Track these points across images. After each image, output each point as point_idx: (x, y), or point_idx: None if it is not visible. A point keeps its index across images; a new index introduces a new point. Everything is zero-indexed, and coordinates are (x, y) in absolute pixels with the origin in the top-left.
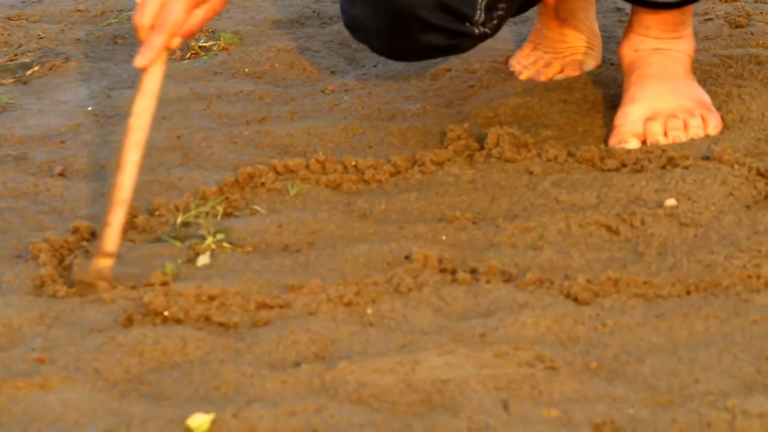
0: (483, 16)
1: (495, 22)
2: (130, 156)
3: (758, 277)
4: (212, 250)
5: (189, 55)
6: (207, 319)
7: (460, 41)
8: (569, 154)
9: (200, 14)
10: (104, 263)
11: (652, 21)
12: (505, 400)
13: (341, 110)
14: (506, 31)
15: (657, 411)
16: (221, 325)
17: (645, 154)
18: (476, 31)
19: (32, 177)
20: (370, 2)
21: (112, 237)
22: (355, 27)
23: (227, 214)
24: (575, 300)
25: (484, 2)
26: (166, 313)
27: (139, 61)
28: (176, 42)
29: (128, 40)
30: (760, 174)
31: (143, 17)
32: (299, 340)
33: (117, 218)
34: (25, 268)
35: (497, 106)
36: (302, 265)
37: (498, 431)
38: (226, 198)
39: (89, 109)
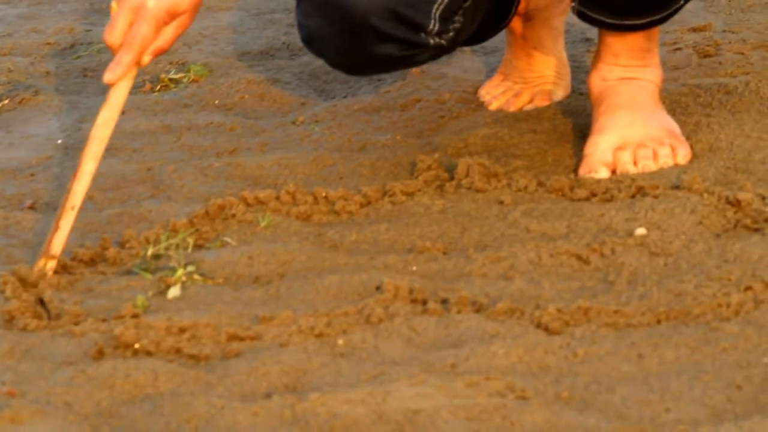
0: (437, 26)
1: (451, 34)
2: (87, 166)
3: (728, 305)
4: (183, 282)
5: (159, 87)
6: (178, 351)
7: (415, 52)
8: (539, 183)
9: (170, 31)
10: (48, 265)
11: (619, 48)
12: (477, 430)
13: (312, 141)
14: (476, 62)
15: None
16: (192, 357)
17: (615, 184)
18: (431, 41)
19: (2, 210)
20: (324, 13)
21: (59, 240)
22: (310, 40)
23: (198, 246)
24: (546, 329)
25: (438, 12)
26: (136, 346)
27: (107, 76)
28: (146, 59)
29: (98, 73)
30: (729, 203)
31: (112, 35)
32: (270, 372)
33: (66, 223)
34: None
35: (467, 137)
36: (273, 296)
37: None
38: (197, 230)
39: (59, 142)
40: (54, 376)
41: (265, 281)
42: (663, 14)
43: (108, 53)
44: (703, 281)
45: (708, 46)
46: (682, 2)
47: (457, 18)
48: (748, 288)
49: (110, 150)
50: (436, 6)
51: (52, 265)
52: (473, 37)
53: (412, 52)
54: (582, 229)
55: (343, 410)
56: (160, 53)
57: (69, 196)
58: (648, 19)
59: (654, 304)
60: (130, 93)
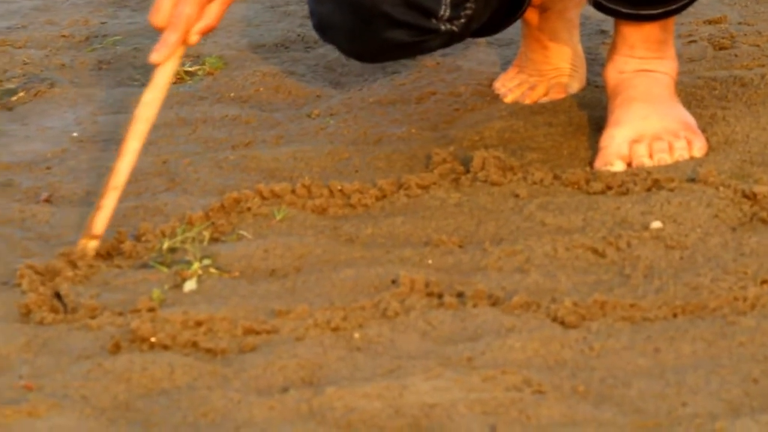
0: (449, 11)
1: (463, 21)
2: (131, 144)
3: (744, 299)
4: (199, 276)
5: (174, 80)
6: (194, 345)
7: (426, 38)
8: (555, 177)
9: (215, 8)
10: (90, 244)
11: (635, 39)
12: (493, 424)
13: (327, 134)
14: (491, 54)
15: None
16: (208, 351)
17: (630, 177)
18: (442, 27)
19: (18, 203)
20: (335, 0)
21: (101, 220)
22: (322, 26)
23: (213, 240)
24: (562, 323)
25: None
26: (153, 340)
27: (154, 56)
28: (194, 38)
29: (113, 66)
30: (745, 196)
31: (158, 16)
32: (286, 366)
33: (109, 203)
34: (11, 294)
35: (483, 130)
36: (289, 290)
37: None
38: (213, 223)
39: (75, 134)
40: (70, 369)
41: (281, 275)
42: (679, 4)
43: (124, 45)
44: (719, 275)
45: (723, 38)
46: None
47: (468, 5)
48: (764, 281)
49: None
50: None
51: (94, 245)
52: (487, 28)
53: (423, 38)
54: (598, 223)
55: (360, 404)
56: (208, 31)
57: (112, 175)
58: (664, 9)
59: (670, 297)
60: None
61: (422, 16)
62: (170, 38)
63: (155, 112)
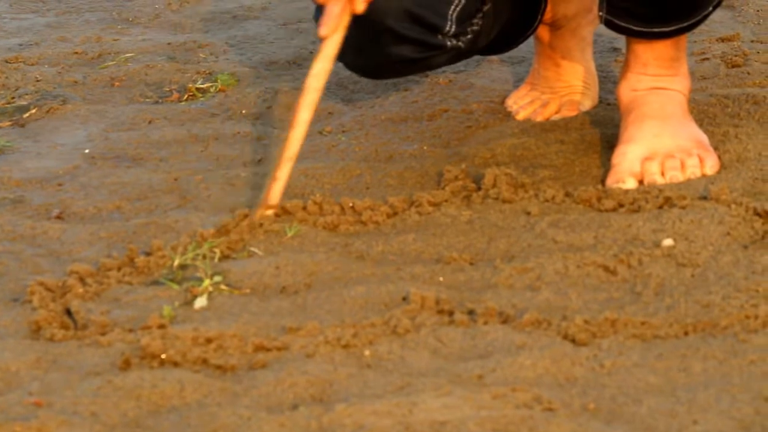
0: (454, 27)
1: (469, 37)
2: (302, 115)
3: (756, 317)
4: (209, 293)
5: (186, 96)
6: (204, 361)
7: (432, 54)
8: (566, 194)
9: None
10: (268, 214)
11: (648, 57)
12: None
13: (338, 151)
14: (503, 72)
15: None
16: (219, 367)
17: (642, 194)
18: (448, 43)
19: (29, 220)
20: None
21: (277, 191)
22: None
23: (225, 256)
24: (573, 341)
25: (455, 14)
26: (163, 356)
27: (322, 30)
28: (360, 7)
29: (125, 83)
30: (757, 214)
31: None
32: (297, 383)
33: (283, 173)
34: (21, 311)
35: (494, 147)
36: (300, 307)
37: None
38: (224, 240)
39: (86, 151)
40: (81, 386)
41: (292, 291)
42: (691, 21)
43: (136, 63)
44: (730, 292)
45: (736, 56)
46: (710, 9)
47: (475, 21)
48: None
49: (137, 159)
50: (452, 8)
51: (271, 213)
52: (499, 45)
53: (428, 54)
54: (609, 240)
55: (370, 421)
56: None
57: (286, 145)
58: (676, 27)
59: (681, 315)
60: (157, 102)
61: (427, 32)
62: (334, 10)
63: (324, 83)
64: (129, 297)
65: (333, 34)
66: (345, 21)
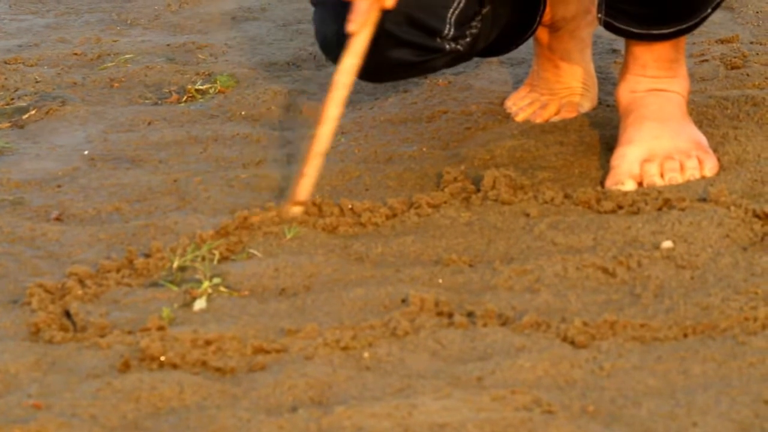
0: (453, 31)
1: (468, 40)
2: (331, 111)
3: (755, 319)
4: (209, 295)
5: (185, 98)
6: (204, 364)
7: (431, 57)
8: (566, 196)
9: None
10: (296, 210)
11: (647, 59)
12: None
13: (338, 153)
14: (503, 73)
15: None
16: (218, 370)
17: (641, 196)
18: (447, 46)
19: (29, 222)
20: (339, 19)
21: (306, 187)
22: (327, 46)
23: (224, 258)
24: (572, 343)
25: (453, 17)
26: (162, 359)
27: (351, 27)
28: (389, 1)
29: (125, 84)
30: (756, 216)
31: None
32: (296, 385)
33: (312, 169)
34: (21, 313)
35: (493, 148)
36: (299, 309)
37: None
38: (223, 242)
39: (86, 153)
40: (80, 388)
41: (291, 293)
42: (690, 23)
43: (135, 64)
44: (730, 295)
45: (735, 57)
46: (709, 11)
47: (474, 24)
48: None
49: (136, 161)
50: (451, 11)
51: (299, 210)
52: (499, 47)
53: (427, 58)
54: (608, 242)
55: (369, 423)
56: None
57: (315, 141)
58: (675, 29)
59: (680, 317)
60: (156, 104)
61: (426, 36)
62: (362, 6)
63: (353, 78)
64: (128, 299)
65: (361, 29)
66: (373, 17)
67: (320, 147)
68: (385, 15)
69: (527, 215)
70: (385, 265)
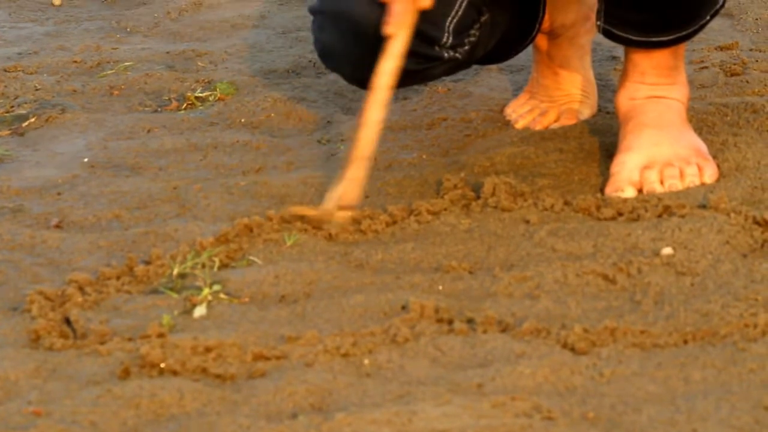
0: (451, 39)
1: (467, 48)
2: (372, 114)
3: (755, 326)
4: (209, 302)
5: (185, 105)
6: (204, 370)
7: (430, 66)
8: (565, 203)
9: None
10: (344, 216)
11: (646, 66)
12: None
13: (337, 160)
14: (502, 81)
15: None
16: (218, 376)
17: (641, 203)
18: (445, 55)
19: (29, 229)
20: (337, 27)
21: (353, 191)
22: (325, 54)
23: (224, 265)
24: (572, 350)
25: (452, 25)
26: (162, 365)
27: (389, 29)
28: (426, 1)
29: (124, 92)
30: (756, 222)
31: None
32: (296, 392)
33: (358, 173)
34: (21, 320)
35: (493, 156)
36: (299, 315)
37: None
38: (223, 249)
39: (86, 160)
40: (80, 395)
41: (291, 300)
42: (689, 30)
43: (135, 72)
44: (730, 301)
45: (735, 64)
46: (708, 18)
47: (472, 32)
48: None
49: (136, 168)
50: (449, 19)
51: (347, 215)
52: (498, 55)
53: (426, 66)
54: (608, 249)
55: (369, 430)
56: None
57: (357, 145)
58: (674, 36)
59: (680, 324)
60: (156, 111)
61: (424, 44)
62: (398, 8)
63: (393, 80)
64: (128, 306)
65: (399, 31)
66: (411, 18)
67: (364, 151)
68: (383, 24)
69: (527, 222)
70: (385, 272)
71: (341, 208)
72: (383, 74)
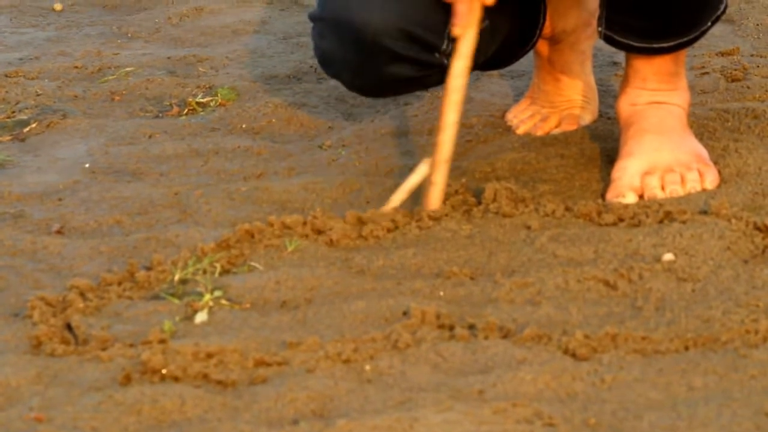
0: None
1: None
2: (449, 117)
3: (756, 332)
4: (210, 308)
5: (186, 111)
6: (205, 377)
7: (430, 72)
8: (567, 208)
9: None
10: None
11: (647, 72)
12: None
13: (339, 166)
14: (503, 86)
15: None
16: (219, 383)
17: (642, 209)
18: (445, 61)
19: (30, 235)
20: (337, 34)
21: (436, 195)
22: (325, 61)
23: (225, 271)
24: (573, 356)
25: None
26: (164, 371)
27: (455, 30)
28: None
29: (125, 97)
30: (757, 228)
31: None
32: (297, 398)
33: (440, 177)
34: (22, 326)
35: (494, 161)
36: (300, 321)
37: None
38: (224, 255)
39: (87, 166)
40: (81, 401)
41: (292, 306)
42: (690, 36)
43: (136, 77)
44: (731, 307)
45: (736, 70)
46: (709, 24)
47: None
48: None
49: (137, 174)
50: (449, 26)
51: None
52: (499, 61)
53: (426, 73)
54: (609, 255)
55: None
56: None
57: (437, 149)
58: (675, 42)
59: (682, 330)
60: (157, 117)
61: (424, 51)
62: (461, 8)
63: (466, 81)
64: (129, 312)
65: (466, 31)
66: (476, 16)
67: (444, 154)
68: (383, 31)
69: (528, 228)
70: (386, 278)
71: (426, 213)
72: (456, 76)
